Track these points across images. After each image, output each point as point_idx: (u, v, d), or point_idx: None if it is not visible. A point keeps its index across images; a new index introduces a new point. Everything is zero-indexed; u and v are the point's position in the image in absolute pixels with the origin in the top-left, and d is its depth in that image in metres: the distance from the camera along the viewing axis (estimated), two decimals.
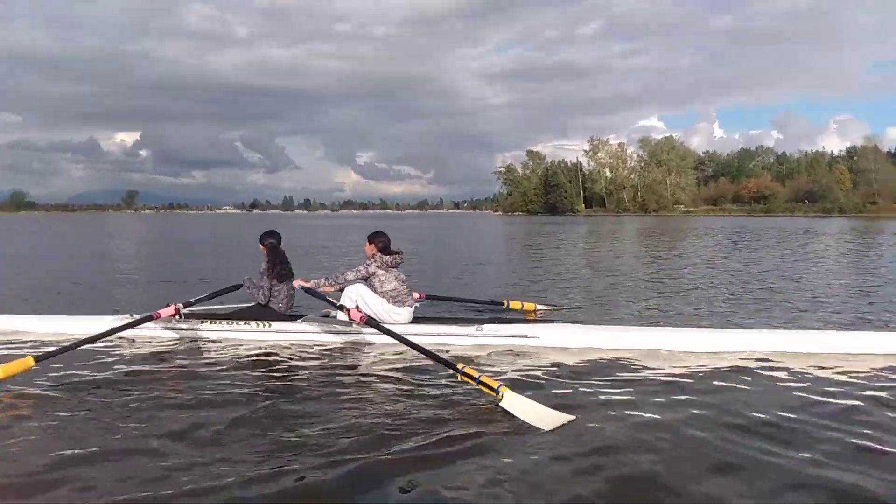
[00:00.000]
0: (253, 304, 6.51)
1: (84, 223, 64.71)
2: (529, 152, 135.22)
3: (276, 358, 5.56)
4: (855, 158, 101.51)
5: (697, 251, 20.75)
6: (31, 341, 6.14)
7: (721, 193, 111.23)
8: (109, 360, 5.44)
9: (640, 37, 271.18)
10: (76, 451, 3.38)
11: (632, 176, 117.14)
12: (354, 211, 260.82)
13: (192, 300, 6.23)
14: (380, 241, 6.56)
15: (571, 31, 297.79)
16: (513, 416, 3.92)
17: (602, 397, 4.39)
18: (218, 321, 6.23)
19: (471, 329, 5.98)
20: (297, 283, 6.46)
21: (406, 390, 4.58)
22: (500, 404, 4.04)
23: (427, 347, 5.15)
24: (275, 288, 6.43)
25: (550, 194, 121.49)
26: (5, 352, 5.59)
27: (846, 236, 30.62)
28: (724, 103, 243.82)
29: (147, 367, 5.21)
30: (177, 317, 5.99)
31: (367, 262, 6.49)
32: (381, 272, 6.41)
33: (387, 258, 6.49)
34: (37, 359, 4.67)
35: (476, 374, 4.29)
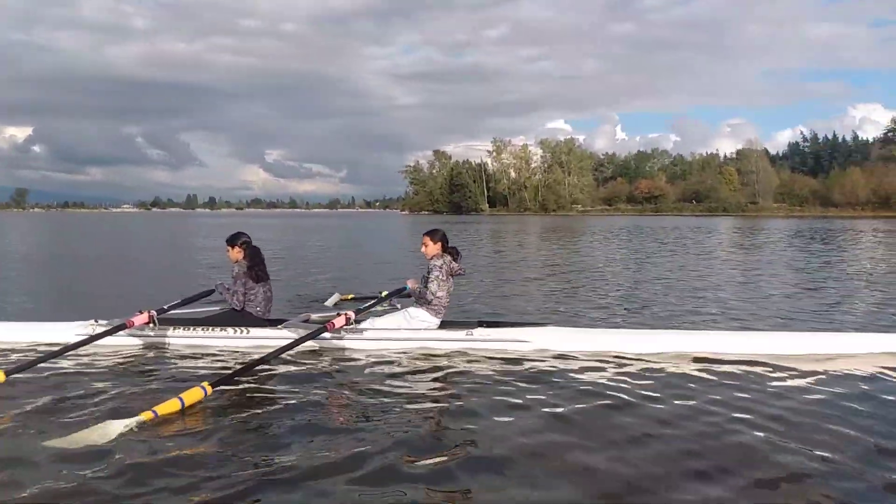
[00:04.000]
0: (228, 308, 6.17)
1: None
2: (436, 152, 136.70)
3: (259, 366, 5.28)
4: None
5: (595, 251, 21.75)
6: None
7: (616, 194, 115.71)
8: (86, 371, 5.13)
9: (545, 42, 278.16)
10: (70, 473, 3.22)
11: (535, 176, 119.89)
12: (262, 210, 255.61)
13: (166, 306, 6.03)
14: (440, 237, 6.08)
15: (478, 34, 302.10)
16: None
17: (595, 397, 4.49)
18: (193, 327, 5.99)
19: (461, 333, 5.84)
20: (411, 282, 6.23)
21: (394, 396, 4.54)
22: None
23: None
24: (251, 291, 6.12)
25: (455, 194, 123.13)
26: None
27: (747, 234, 32.59)
28: (626, 107, 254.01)
29: (125, 379, 4.94)
30: (150, 324, 5.81)
31: (438, 265, 5.98)
32: (444, 277, 6.00)
33: (454, 265, 6.11)
34: (7, 372, 4.39)
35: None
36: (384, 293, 6.41)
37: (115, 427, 3.62)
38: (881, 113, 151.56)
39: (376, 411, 4.18)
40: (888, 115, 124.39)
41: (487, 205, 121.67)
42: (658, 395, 4.59)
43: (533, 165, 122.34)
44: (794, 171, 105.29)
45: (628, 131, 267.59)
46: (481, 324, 6.16)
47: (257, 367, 4.77)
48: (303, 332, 5.50)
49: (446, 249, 6.11)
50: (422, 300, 5.98)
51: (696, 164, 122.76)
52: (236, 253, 6.24)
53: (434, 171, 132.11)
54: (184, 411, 3.96)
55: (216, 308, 6.37)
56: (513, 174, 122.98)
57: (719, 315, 8.20)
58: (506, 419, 4.05)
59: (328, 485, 3.09)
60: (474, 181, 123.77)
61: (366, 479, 3.15)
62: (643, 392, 4.63)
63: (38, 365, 4.86)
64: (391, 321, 6.05)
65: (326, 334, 5.51)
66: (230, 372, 4.53)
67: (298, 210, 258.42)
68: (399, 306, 6.39)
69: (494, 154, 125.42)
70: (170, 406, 3.90)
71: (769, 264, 16.14)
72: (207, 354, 5.65)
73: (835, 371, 5.18)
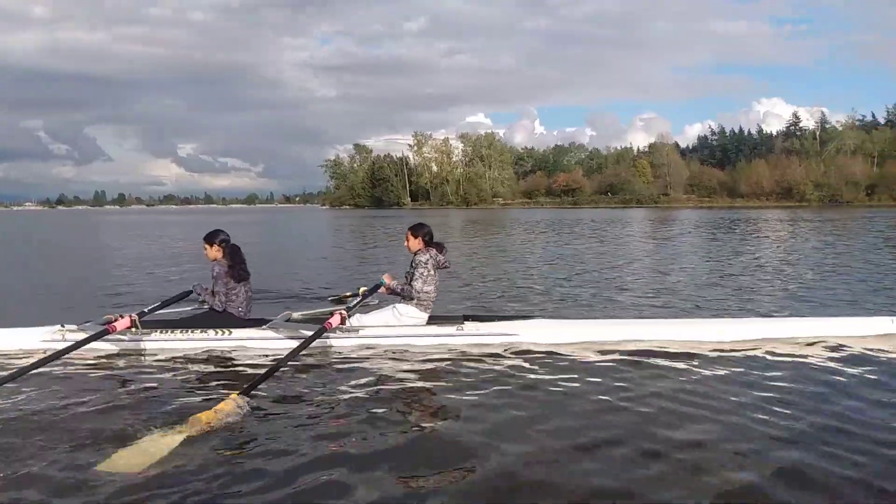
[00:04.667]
0: (207, 308, 6.03)
1: None
2: (356, 146, 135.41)
3: (243, 367, 5.31)
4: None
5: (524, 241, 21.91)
6: None
7: (536, 187, 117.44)
8: (79, 379, 4.98)
9: (463, 36, 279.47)
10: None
11: (456, 170, 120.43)
12: (174, 206, 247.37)
13: (146, 310, 5.86)
14: (424, 232, 6.06)
15: (396, 26, 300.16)
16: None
17: (586, 389, 4.57)
18: (175, 330, 5.81)
19: (451, 329, 5.87)
20: (387, 277, 6.15)
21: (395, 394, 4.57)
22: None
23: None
24: (232, 291, 5.96)
25: (377, 188, 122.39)
26: None
27: (669, 225, 33.60)
28: (544, 102, 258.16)
29: (112, 386, 4.84)
30: (132, 328, 5.61)
31: (422, 260, 5.94)
32: (431, 272, 5.95)
33: (440, 258, 6.03)
34: None
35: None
36: (362, 289, 6.30)
37: (157, 445, 3.49)
38: (783, 107, 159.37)
39: (372, 410, 4.19)
40: (790, 109, 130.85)
41: (409, 198, 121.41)
42: (647, 383, 4.66)
43: (454, 159, 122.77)
44: (703, 164, 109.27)
45: (546, 125, 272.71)
46: (467, 318, 6.16)
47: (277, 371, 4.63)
48: (287, 332, 5.69)
49: (430, 244, 6.05)
50: (406, 297, 5.92)
51: (611, 157, 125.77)
52: (215, 251, 6.05)
53: (355, 165, 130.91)
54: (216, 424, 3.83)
55: (189, 308, 6.26)
56: (434, 168, 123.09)
57: (678, 304, 8.51)
58: (500, 413, 4.10)
59: (326, 483, 3.13)
60: (396, 175, 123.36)
61: (365, 477, 3.19)
62: (633, 382, 4.72)
63: (27, 374, 4.56)
64: (380, 318, 5.98)
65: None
66: (257, 378, 4.37)
67: (214, 206, 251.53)
68: (376, 302, 6.33)
69: (416, 148, 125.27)
70: (208, 416, 3.81)
71: (704, 252, 16.67)
72: (198, 359, 5.52)
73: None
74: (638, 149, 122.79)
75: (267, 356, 5.50)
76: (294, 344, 5.44)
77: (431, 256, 5.97)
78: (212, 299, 5.95)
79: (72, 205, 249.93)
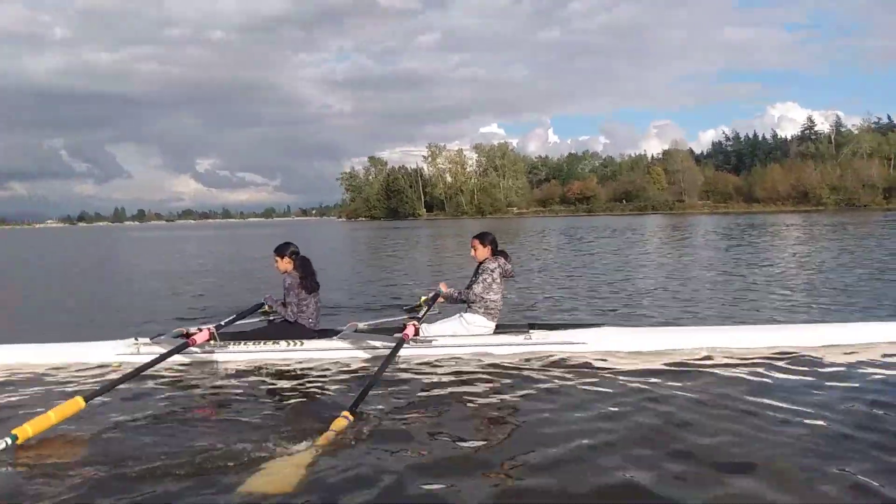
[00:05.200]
0: (279, 320, 6.10)
1: None
2: (371, 158, 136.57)
3: (322, 378, 5.40)
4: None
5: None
6: (39, 373, 5.70)
7: (550, 196, 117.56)
8: (157, 392, 5.09)
9: (475, 49, 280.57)
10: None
11: (470, 180, 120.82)
12: (192, 221, 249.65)
13: (223, 322, 5.92)
14: (490, 240, 6.05)
15: (409, 42, 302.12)
16: None
17: (656, 398, 4.54)
18: (249, 342, 5.93)
19: (519, 338, 5.84)
20: (443, 286, 6.21)
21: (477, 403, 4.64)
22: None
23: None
24: (303, 302, 6.03)
25: (392, 199, 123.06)
26: (29, 389, 5.23)
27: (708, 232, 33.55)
28: (557, 111, 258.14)
29: (205, 401, 4.96)
30: (212, 341, 5.73)
31: (490, 268, 5.94)
32: (497, 280, 5.94)
33: (508, 267, 6.04)
34: (86, 398, 4.24)
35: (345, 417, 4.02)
36: (423, 298, 6.37)
37: (293, 465, 3.52)
38: (798, 111, 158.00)
39: (446, 419, 4.34)
40: (804, 113, 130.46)
41: (424, 209, 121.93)
42: (719, 391, 4.62)
43: (468, 170, 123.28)
44: (718, 169, 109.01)
45: (560, 134, 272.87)
46: (533, 326, 6.16)
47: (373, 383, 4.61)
48: (357, 343, 5.79)
49: (496, 252, 6.05)
50: (465, 301, 5.95)
51: (625, 164, 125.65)
52: (286, 263, 6.17)
53: (370, 178, 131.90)
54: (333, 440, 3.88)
55: (257, 319, 6.33)
56: (449, 179, 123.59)
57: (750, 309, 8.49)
58: (573, 424, 4.13)
59: (400, 485, 3.32)
60: (410, 186, 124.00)
61: (467, 484, 3.33)
62: (705, 391, 4.68)
63: (116, 387, 4.68)
64: (447, 328, 5.98)
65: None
66: (360, 395, 4.39)
67: (232, 220, 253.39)
68: (436, 311, 6.35)
69: (430, 159, 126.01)
70: (328, 437, 3.85)
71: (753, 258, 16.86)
72: (277, 371, 5.61)
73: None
74: (652, 156, 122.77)
75: (341, 367, 5.66)
76: (364, 354, 5.76)
77: (500, 265, 5.96)
78: (284, 310, 6.01)
79: (93, 221, 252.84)
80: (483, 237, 6.07)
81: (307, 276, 6.09)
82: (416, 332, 5.57)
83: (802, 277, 12.12)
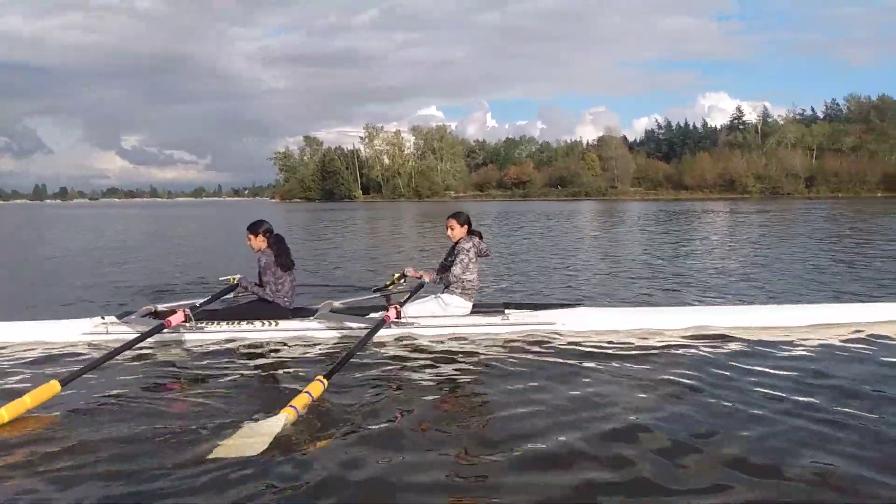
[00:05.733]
0: (254, 299, 6.02)
1: None
2: (307, 138, 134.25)
3: (301, 356, 5.38)
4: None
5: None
6: (3, 352, 5.53)
7: (487, 180, 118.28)
8: (130, 373, 4.98)
9: (416, 28, 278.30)
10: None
11: (408, 163, 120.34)
12: (118, 199, 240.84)
13: (198, 304, 5.82)
14: (466, 220, 6.06)
15: (348, 19, 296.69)
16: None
17: (631, 377, 4.57)
18: (225, 322, 5.82)
19: (496, 318, 5.86)
20: (409, 270, 6.17)
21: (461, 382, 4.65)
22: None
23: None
24: (279, 281, 5.95)
25: (328, 181, 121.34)
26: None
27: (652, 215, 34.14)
28: (495, 95, 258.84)
29: (182, 379, 4.87)
30: (187, 323, 5.59)
31: (465, 248, 5.93)
32: (473, 259, 5.94)
33: (483, 246, 6.06)
34: (62, 381, 4.15)
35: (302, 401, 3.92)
36: (395, 276, 6.38)
37: (267, 428, 3.53)
38: (727, 101, 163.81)
39: (418, 396, 4.35)
40: (733, 103, 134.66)
41: (361, 191, 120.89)
42: (692, 372, 4.68)
43: (406, 152, 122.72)
44: (650, 157, 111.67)
45: (498, 119, 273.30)
46: (508, 306, 6.19)
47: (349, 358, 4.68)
48: (334, 322, 5.80)
49: (471, 231, 6.06)
50: (447, 284, 5.93)
51: (560, 150, 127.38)
52: (259, 241, 6.06)
53: (305, 158, 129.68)
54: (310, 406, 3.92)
55: (231, 297, 6.34)
56: (386, 161, 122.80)
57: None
58: (543, 404, 4.10)
59: (365, 457, 3.33)
60: (347, 168, 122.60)
61: (401, 454, 3.37)
62: (677, 369, 4.74)
63: (97, 367, 4.60)
64: (425, 308, 5.95)
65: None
66: (338, 363, 4.46)
67: (160, 199, 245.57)
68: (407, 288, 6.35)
69: (367, 140, 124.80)
70: (303, 399, 3.87)
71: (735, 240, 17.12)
72: (255, 350, 5.54)
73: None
74: (587, 142, 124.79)
75: (318, 346, 5.65)
76: (340, 334, 5.79)
77: (474, 245, 5.98)
78: (261, 290, 5.95)
79: (10, 199, 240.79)
80: (458, 216, 6.06)
81: (282, 253, 6.00)
82: (399, 316, 5.60)
83: (733, 260, 12.52)
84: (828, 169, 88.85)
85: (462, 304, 5.92)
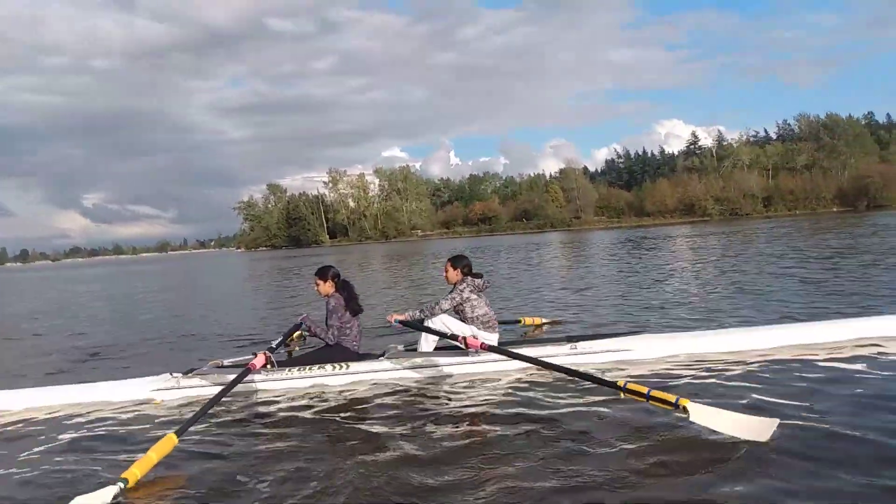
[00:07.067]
0: (320, 345, 6.17)
1: None
2: (270, 185, 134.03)
3: (375, 399, 5.41)
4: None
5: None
6: (87, 413, 5.62)
7: (453, 217, 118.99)
8: (237, 420, 5.16)
9: (373, 73, 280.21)
10: None
11: (373, 205, 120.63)
12: (81, 259, 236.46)
13: (274, 345, 5.92)
14: (464, 264, 6.41)
15: (305, 66, 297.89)
16: (710, 430, 3.71)
17: (748, 400, 4.45)
18: (299, 367, 5.91)
19: (565, 348, 5.87)
20: (392, 317, 6.19)
21: (561, 420, 4.42)
22: (691, 419, 3.76)
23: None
24: (346, 325, 6.08)
25: (294, 227, 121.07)
26: (83, 431, 5.14)
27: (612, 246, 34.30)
28: (457, 133, 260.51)
29: (259, 422, 5.06)
30: (268, 366, 5.68)
31: (459, 287, 6.27)
32: (473, 297, 6.25)
33: (478, 281, 6.35)
34: (177, 433, 4.23)
35: (644, 390, 3.99)
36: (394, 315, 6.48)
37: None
38: (682, 128, 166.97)
39: (485, 434, 4.38)
40: (688, 129, 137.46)
41: (328, 236, 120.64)
42: (772, 395, 4.58)
43: (371, 194, 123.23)
44: (611, 186, 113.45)
45: (461, 156, 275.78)
46: (571, 339, 6.23)
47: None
48: (405, 363, 5.91)
49: (469, 274, 6.39)
50: (433, 315, 6.11)
51: (524, 184, 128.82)
52: (328, 287, 6.23)
53: (269, 206, 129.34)
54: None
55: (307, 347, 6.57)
56: (351, 204, 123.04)
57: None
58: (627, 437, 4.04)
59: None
60: (312, 213, 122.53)
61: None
62: (750, 393, 4.66)
63: (198, 421, 4.65)
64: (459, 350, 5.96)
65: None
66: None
67: (124, 256, 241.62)
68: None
69: (331, 185, 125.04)
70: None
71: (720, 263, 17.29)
72: (331, 394, 5.65)
73: None
74: (549, 174, 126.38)
75: (391, 386, 5.72)
76: (412, 374, 5.91)
77: (468, 284, 6.27)
78: (323, 332, 6.07)
79: None
80: (456, 261, 6.44)
81: (352, 298, 6.18)
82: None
83: (710, 285, 12.64)
84: (783, 188, 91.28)
85: (488, 337, 6.12)
